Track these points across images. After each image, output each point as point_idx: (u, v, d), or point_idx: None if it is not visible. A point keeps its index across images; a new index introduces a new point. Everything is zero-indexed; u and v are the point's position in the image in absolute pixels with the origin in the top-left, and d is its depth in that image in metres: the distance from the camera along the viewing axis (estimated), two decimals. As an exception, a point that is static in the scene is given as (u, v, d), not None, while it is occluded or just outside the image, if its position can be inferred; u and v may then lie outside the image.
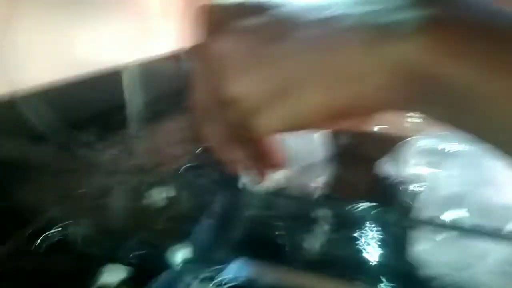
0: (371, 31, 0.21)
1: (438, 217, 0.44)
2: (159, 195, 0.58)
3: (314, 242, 0.48)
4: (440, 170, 0.49)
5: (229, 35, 0.25)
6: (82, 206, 0.56)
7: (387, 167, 0.58)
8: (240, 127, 0.26)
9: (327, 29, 0.22)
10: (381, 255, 0.44)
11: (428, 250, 0.42)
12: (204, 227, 0.51)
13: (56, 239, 0.49)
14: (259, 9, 0.25)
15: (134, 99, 0.81)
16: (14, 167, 0.53)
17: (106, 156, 0.66)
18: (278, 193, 0.48)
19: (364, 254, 0.45)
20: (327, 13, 0.23)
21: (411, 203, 0.51)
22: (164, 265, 0.46)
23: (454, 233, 0.41)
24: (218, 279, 0.44)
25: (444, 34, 0.20)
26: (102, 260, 0.46)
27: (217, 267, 0.45)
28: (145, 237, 0.52)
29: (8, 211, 0.50)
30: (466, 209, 0.43)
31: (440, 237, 0.42)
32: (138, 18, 0.85)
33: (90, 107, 0.72)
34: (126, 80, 0.80)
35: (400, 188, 0.55)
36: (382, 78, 0.21)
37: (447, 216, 0.44)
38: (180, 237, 0.50)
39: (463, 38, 0.20)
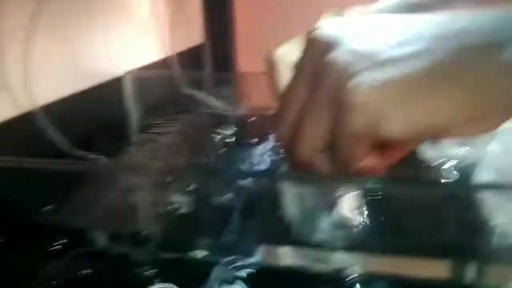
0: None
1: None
2: (182, 194, 0.57)
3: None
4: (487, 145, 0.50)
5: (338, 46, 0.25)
6: (108, 213, 0.54)
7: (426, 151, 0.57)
8: (365, 134, 0.24)
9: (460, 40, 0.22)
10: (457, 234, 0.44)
11: (506, 220, 0.42)
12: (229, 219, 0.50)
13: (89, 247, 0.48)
14: None
15: (136, 106, 0.79)
16: (36, 184, 0.50)
17: (123, 164, 0.64)
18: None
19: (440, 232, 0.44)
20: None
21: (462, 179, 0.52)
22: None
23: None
24: (242, 264, 0.43)
25: None
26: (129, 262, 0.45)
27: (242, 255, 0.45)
28: (171, 237, 0.51)
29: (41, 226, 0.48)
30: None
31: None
32: (132, 25, 0.83)
33: (98, 118, 0.70)
34: (126, 88, 0.78)
35: (445, 167, 0.55)
36: None
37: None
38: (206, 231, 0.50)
39: None
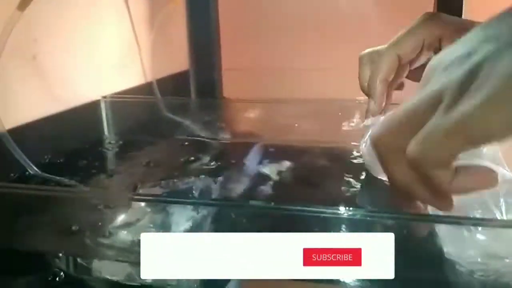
0: None
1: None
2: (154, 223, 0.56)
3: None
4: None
5: None
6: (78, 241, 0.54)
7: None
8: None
9: None
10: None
11: (456, 248, 0.41)
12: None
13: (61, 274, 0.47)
14: None
15: (113, 129, 0.79)
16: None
17: (95, 188, 0.63)
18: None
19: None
20: None
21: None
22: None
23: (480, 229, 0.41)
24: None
25: None
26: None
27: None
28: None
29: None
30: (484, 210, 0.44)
31: (466, 234, 0.42)
32: (112, 49, 0.84)
33: (73, 140, 0.70)
34: (101, 112, 0.78)
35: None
36: None
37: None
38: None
39: None
